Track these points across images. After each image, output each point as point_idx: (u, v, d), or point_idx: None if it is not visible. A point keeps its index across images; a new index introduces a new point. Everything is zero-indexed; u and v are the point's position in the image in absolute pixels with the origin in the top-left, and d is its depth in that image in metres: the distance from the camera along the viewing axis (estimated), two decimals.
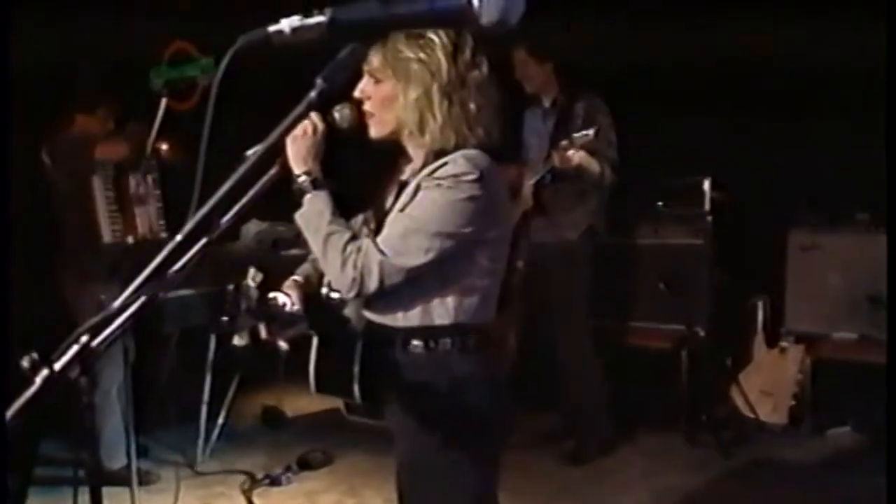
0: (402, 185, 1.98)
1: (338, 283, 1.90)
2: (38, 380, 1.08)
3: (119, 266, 3.64)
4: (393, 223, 1.91)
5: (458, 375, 1.95)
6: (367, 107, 1.96)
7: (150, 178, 4.07)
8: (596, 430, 4.47)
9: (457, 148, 1.89)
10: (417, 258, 1.85)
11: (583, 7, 4.56)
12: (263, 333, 1.96)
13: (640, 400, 4.68)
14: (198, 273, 4.71)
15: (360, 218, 2.08)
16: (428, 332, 1.93)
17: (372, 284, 1.85)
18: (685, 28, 4.53)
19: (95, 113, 4.02)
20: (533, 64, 4.37)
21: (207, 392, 4.50)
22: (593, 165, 4.20)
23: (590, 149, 4.15)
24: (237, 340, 1.82)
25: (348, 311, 2.01)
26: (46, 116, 4.15)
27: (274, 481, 4.16)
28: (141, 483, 3.87)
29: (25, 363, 1.07)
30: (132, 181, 4.00)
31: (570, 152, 4.07)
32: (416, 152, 1.98)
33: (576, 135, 4.04)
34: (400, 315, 1.94)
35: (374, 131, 1.98)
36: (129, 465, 3.77)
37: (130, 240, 4.03)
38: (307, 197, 1.91)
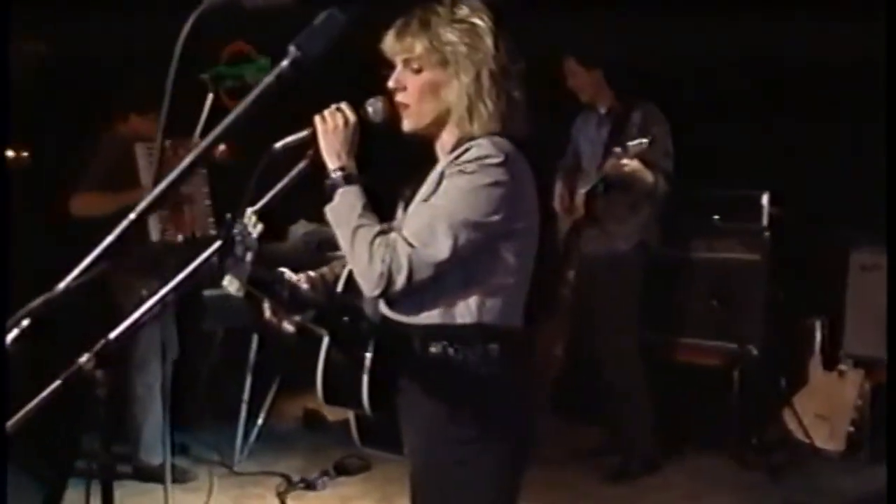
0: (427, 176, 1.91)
1: (365, 278, 1.80)
2: None
3: (163, 263, 3.62)
4: (418, 214, 1.83)
5: (479, 381, 1.85)
6: (401, 98, 1.88)
7: (198, 176, 4.05)
8: (641, 447, 4.34)
9: (498, 135, 1.83)
10: (445, 250, 1.76)
11: (636, 13, 4.44)
12: (267, 314, 1.89)
13: (689, 418, 4.53)
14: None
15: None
16: (449, 333, 1.84)
17: (400, 280, 1.75)
18: (745, 33, 4.37)
19: (149, 115, 4.02)
20: (583, 72, 4.28)
21: (248, 392, 4.47)
22: (647, 176, 4.09)
23: (644, 159, 4.04)
24: (226, 282, 1.69)
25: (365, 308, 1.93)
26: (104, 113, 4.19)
27: (309, 485, 4.12)
28: (177, 480, 3.86)
29: None
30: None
31: (624, 161, 3.97)
32: (448, 141, 1.90)
33: (630, 143, 3.92)
34: (420, 314, 1.85)
35: (409, 123, 1.90)
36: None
37: (180, 238, 4.02)
38: (339, 191, 1.83)
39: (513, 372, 1.88)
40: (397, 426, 1.96)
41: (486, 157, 1.78)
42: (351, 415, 2.05)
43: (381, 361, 1.89)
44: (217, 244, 1.64)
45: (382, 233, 1.80)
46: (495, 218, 1.79)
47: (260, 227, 1.77)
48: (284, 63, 1.16)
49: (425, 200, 1.84)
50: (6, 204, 3.61)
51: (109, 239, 1.04)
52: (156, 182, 1.09)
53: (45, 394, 1.48)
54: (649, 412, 4.32)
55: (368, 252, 1.77)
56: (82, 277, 0.99)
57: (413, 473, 1.97)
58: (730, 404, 4.49)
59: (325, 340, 1.98)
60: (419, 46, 1.84)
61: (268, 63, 5.46)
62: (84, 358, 1.51)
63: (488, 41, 1.83)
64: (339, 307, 1.96)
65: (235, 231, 1.69)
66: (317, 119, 1.84)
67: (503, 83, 1.84)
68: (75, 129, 4.51)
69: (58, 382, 1.49)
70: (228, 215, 1.67)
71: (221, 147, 4.05)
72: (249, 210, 1.75)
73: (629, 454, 4.32)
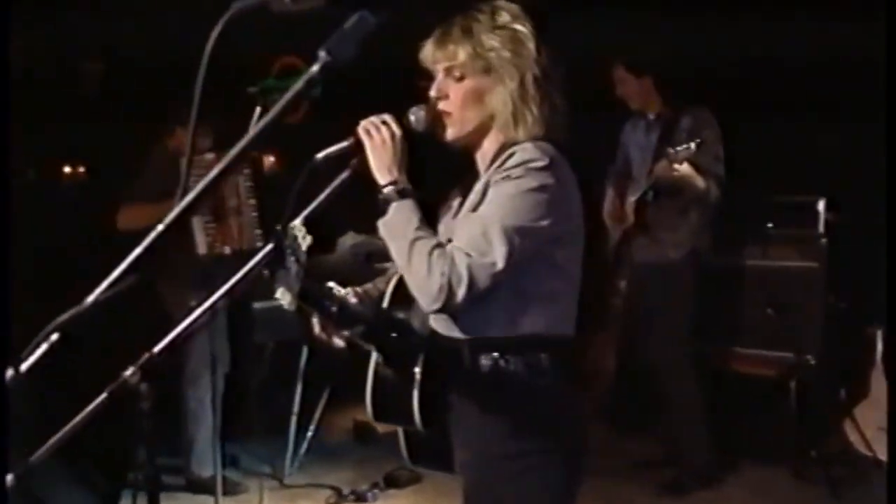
0: (469, 186, 1.88)
1: (423, 292, 1.75)
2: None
3: (212, 276, 3.64)
4: (469, 224, 1.79)
5: (530, 392, 1.82)
6: (444, 106, 1.86)
7: (244, 188, 4.07)
8: (697, 459, 4.25)
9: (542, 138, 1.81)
10: (502, 258, 1.72)
11: (687, 17, 4.37)
12: (317, 329, 1.86)
13: (745, 430, 4.43)
14: None
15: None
16: (499, 344, 1.81)
17: (461, 291, 1.71)
18: (800, 36, 4.27)
19: (196, 126, 4.02)
20: (632, 80, 4.23)
21: (297, 404, 4.49)
22: (697, 181, 4.02)
23: (694, 164, 3.97)
24: (280, 294, 1.66)
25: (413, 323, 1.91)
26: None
27: (360, 497, 4.11)
28: (227, 493, 3.88)
29: None
30: (226, 191, 4.01)
31: (674, 165, 3.91)
32: (489, 149, 1.88)
33: (678, 148, 3.86)
34: (472, 326, 1.82)
35: (453, 132, 1.88)
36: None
37: (227, 250, 4.04)
38: (393, 206, 1.79)
39: (563, 382, 1.85)
40: (447, 442, 1.93)
41: (531, 160, 1.76)
42: (400, 431, 2.02)
43: (431, 376, 1.86)
44: (262, 253, 1.63)
45: (439, 245, 1.76)
46: (544, 223, 1.76)
47: (309, 239, 1.76)
48: (314, 68, 1.14)
49: (473, 210, 1.81)
50: (6, 204, 3.64)
51: (138, 250, 1.03)
52: (184, 193, 1.07)
53: (90, 407, 1.49)
54: (704, 424, 4.24)
55: (427, 265, 1.73)
56: (112, 290, 0.98)
57: (466, 488, 1.94)
58: (787, 416, 4.38)
59: (374, 357, 1.96)
60: (462, 54, 1.82)
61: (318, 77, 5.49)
62: (129, 371, 1.52)
63: (531, 46, 1.82)
64: (386, 322, 1.94)
65: (286, 243, 1.67)
66: (361, 132, 1.81)
67: (546, 87, 1.83)
68: (131, 144, 4.58)
69: (103, 395, 1.50)
70: (279, 227, 1.66)
71: (270, 159, 4.08)
72: (299, 221, 1.73)
73: (684, 466, 4.24)
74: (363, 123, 1.82)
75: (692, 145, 3.83)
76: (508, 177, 1.76)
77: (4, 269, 2.82)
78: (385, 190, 1.80)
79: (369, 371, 1.96)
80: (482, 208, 1.78)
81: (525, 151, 1.77)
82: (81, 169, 7.15)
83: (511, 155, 1.78)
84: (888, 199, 3.53)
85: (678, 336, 4.27)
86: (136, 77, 5.09)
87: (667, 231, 4.23)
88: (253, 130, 1.11)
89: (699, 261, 4.27)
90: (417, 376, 1.85)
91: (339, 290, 1.89)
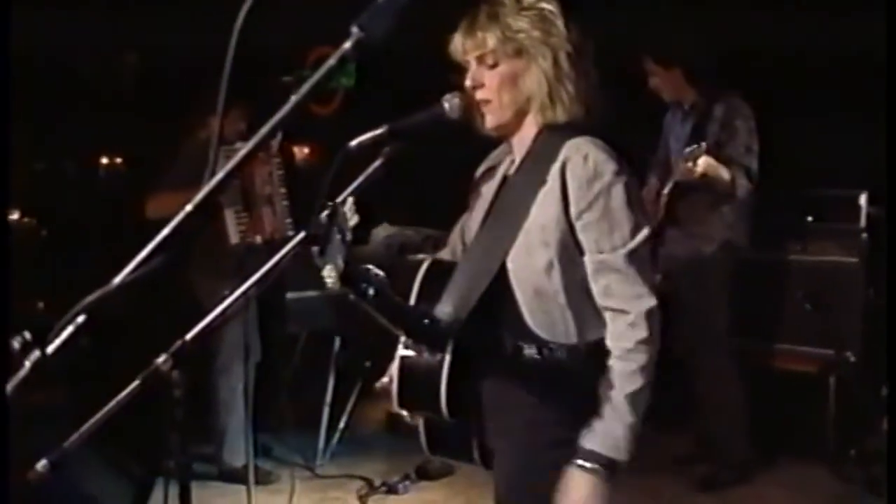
0: (506, 179, 1.86)
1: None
2: (28, 363, 0.97)
3: (244, 264, 3.65)
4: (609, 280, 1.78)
5: (570, 380, 1.80)
6: (481, 95, 1.83)
7: (276, 177, 4.08)
8: (733, 455, 4.19)
9: (572, 122, 1.79)
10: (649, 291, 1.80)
11: (726, 6, 4.30)
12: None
13: (783, 427, 4.36)
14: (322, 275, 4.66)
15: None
16: (541, 337, 1.79)
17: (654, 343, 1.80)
18: (840, 20, 4.17)
19: (227, 114, 4.01)
20: (661, 71, 4.18)
21: (330, 395, 4.49)
22: (722, 174, 3.94)
23: (721, 156, 3.92)
24: (327, 273, 1.61)
25: (444, 309, 1.86)
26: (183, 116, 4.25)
27: (391, 489, 4.10)
28: (259, 482, 3.88)
29: (16, 344, 0.98)
30: (258, 181, 4.02)
31: (689, 165, 3.87)
32: (528, 133, 1.86)
33: (687, 150, 3.85)
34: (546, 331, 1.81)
35: (492, 119, 1.86)
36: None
37: (258, 239, 4.04)
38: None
39: (593, 374, 1.82)
40: (467, 431, 1.92)
41: (600, 164, 1.76)
42: (420, 422, 2.00)
43: (460, 365, 1.83)
44: (295, 241, 1.62)
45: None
46: (644, 221, 1.80)
47: (356, 218, 1.73)
48: (347, 45, 1.11)
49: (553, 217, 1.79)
50: (5, 203, 3.66)
51: (165, 232, 1.02)
52: (211, 176, 1.06)
53: (123, 394, 1.49)
54: (742, 420, 4.18)
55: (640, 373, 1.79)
56: (138, 272, 0.96)
57: (501, 477, 1.92)
58: (826, 413, 4.30)
59: (400, 345, 1.94)
60: (492, 40, 1.80)
61: (353, 67, 5.48)
62: (161, 358, 1.51)
63: (559, 24, 1.80)
64: (418, 310, 1.91)
65: (335, 220, 1.63)
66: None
67: (581, 64, 1.81)
68: (165, 135, 4.60)
69: (136, 383, 1.50)
70: (329, 203, 1.63)
71: (305, 150, 4.07)
72: (349, 201, 1.71)
73: (720, 462, 4.18)
74: None
75: (702, 146, 3.82)
76: (599, 204, 1.76)
77: (5, 269, 2.84)
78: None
79: (395, 360, 1.93)
80: (599, 250, 1.77)
81: (588, 156, 1.76)
82: (118, 160, 7.23)
83: (570, 158, 1.77)
84: (889, 198, 3.46)
85: (714, 331, 4.21)
86: (171, 68, 5.11)
87: (698, 224, 4.17)
88: (284, 108, 1.08)
89: (734, 254, 4.20)
90: (446, 364, 1.83)
91: (377, 272, 1.84)
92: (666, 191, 4.12)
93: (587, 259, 1.78)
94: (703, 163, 3.87)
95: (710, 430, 4.28)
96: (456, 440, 1.95)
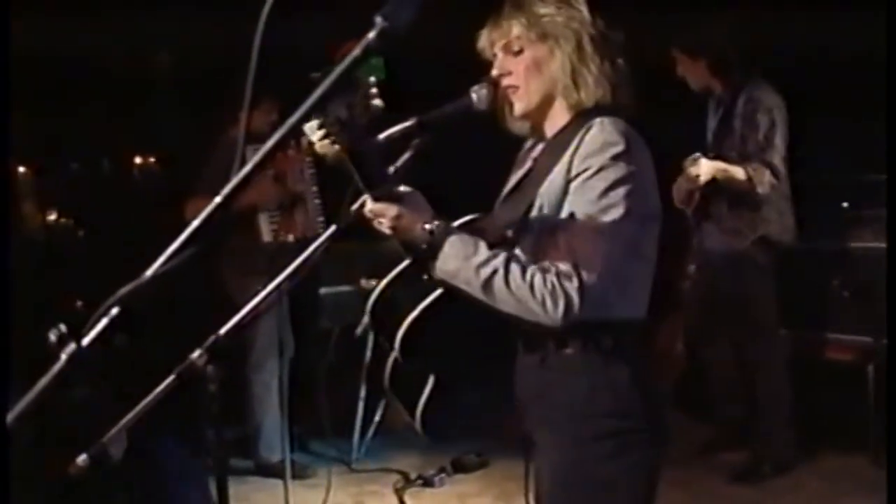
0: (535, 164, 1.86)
1: (539, 317, 1.70)
2: (64, 356, 0.98)
3: (276, 263, 3.67)
4: (570, 236, 1.72)
5: (616, 379, 1.80)
6: (508, 82, 1.85)
7: (308, 175, 4.10)
8: (776, 448, 4.14)
9: (598, 106, 1.79)
10: (610, 273, 1.72)
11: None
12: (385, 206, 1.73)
13: (821, 416, 4.31)
14: (357, 270, 4.71)
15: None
16: (584, 330, 1.77)
17: (575, 308, 1.68)
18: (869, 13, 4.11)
19: (256, 111, 4.02)
20: (688, 61, 4.14)
21: (364, 389, 4.51)
22: (735, 174, 3.90)
23: (745, 153, 3.93)
24: (309, 128, 1.52)
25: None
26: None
27: (427, 482, 4.12)
28: (296, 477, 3.91)
29: (52, 337, 0.99)
30: (290, 179, 4.05)
31: (691, 172, 3.89)
32: (558, 121, 1.86)
33: (685, 162, 3.90)
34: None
35: (520, 106, 1.87)
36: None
37: (291, 238, 4.07)
38: (444, 249, 1.71)
39: (641, 364, 1.84)
40: (421, 389, 1.90)
41: (609, 144, 1.73)
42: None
43: (438, 312, 1.81)
44: (326, 234, 1.63)
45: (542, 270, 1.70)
46: (634, 213, 1.73)
47: (380, 103, 1.62)
48: (371, 35, 1.11)
49: (558, 196, 1.77)
50: (5, 203, 3.70)
51: (196, 223, 1.03)
52: (238, 170, 1.07)
53: (159, 388, 1.51)
54: (786, 412, 4.14)
55: (530, 291, 1.68)
56: (170, 264, 0.98)
57: (544, 468, 1.92)
58: (865, 402, 4.25)
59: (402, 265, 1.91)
60: (516, 27, 1.82)
61: (381, 62, 5.48)
62: (196, 353, 1.53)
63: (583, 9, 1.82)
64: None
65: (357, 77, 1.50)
66: (378, 227, 1.77)
67: (605, 49, 1.81)
68: (199, 134, 4.64)
69: (172, 377, 1.52)
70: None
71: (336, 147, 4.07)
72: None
73: (762, 454, 4.14)
74: (373, 223, 1.77)
75: (697, 155, 3.88)
76: (587, 182, 1.73)
77: (5, 270, 2.88)
78: (423, 245, 1.72)
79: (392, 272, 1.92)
80: (570, 210, 1.74)
81: (602, 130, 1.75)
82: (152, 159, 7.31)
83: (589, 129, 1.76)
84: (889, 197, 3.41)
85: (760, 325, 4.17)
86: (204, 66, 5.14)
87: (729, 220, 4.12)
88: (308, 100, 1.09)
89: (771, 249, 4.12)
90: (422, 305, 1.82)
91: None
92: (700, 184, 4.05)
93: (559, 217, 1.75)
94: (707, 169, 3.88)
95: (756, 421, 4.23)
96: (410, 391, 1.91)
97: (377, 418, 4.59)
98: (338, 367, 4.48)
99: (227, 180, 1.21)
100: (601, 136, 1.74)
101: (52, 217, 6.89)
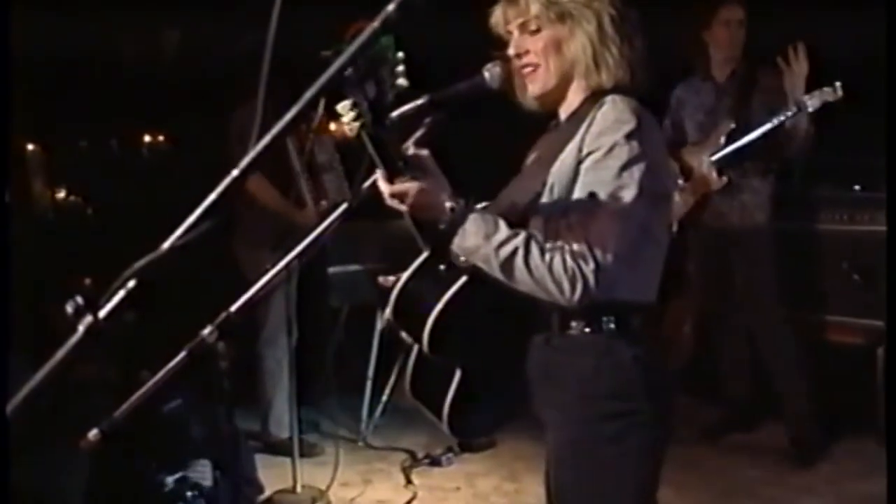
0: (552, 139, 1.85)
1: (554, 295, 1.68)
2: (82, 328, 0.98)
3: (286, 238, 3.67)
4: (583, 216, 1.70)
5: (620, 361, 1.79)
6: (527, 60, 1.82)
7: (329, 144, 4.18)
8: (801, 426, 4.14)
9: (618, 87, 1.78)
10: (616, 258, 1.69)
11: None
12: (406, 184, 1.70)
13: (829, 399, 4.30)
14: (366, 249, 4.71)
15: None
16: (590, 311, 1.76)
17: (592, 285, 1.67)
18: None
19: (271, 94, 4.01)
20: (736, 27, 4.02)
21: (373, 368, 4.52)
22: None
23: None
24: (342, 107, 1.50)
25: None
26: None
27: (434, 461, 4.13)
28: (304, 455, 3.93)
29: (69, 308, 0.99)
30: (316, 149, 4.11)
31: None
32: (574, 100, 1.85)
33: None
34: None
35: (537, 86, 1.84)
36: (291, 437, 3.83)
37: (324, 204, 4.10)
38: (465, 226, 1.70)
39: (650, 346, 1.83)
40: (447, 386, 1.88)
41: (620, 122, 1.71)
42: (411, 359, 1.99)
43: (465, 305, 1.79)
44: (335, 214, 1.62)
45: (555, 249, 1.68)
46: (646, 193, 1.71)
47: (405, 82, 1.58)
48: (391, 6, 1.09)
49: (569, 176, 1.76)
50: (5, 202, 3.70)
51: (212, 196, 1.03)
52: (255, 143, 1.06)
53: (170, 365, 1.51)
54: (805, 391, 4.13)
55: (549, 270, 1.67)
56: (187, 236, 0.97)
57: (555, 447, 1.91)
58: (874, 384, 4.23)
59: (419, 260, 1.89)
60: (535, 6, 1.79)
61: (391, 40, 5.46)
62: (206, 330, 1.53)
63: None
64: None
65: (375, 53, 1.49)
66: (396, 205, 1.74)
67: (625, 28, 1.79)
68: (208, 112, 4.63)
69: (182, 354, 1.52)
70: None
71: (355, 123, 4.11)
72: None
73: (794, 436, 4.14)
74: (388, 202, 1.74)
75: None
76: (602, 151, 1.71)
77: (5, 270, 2.88)
78: (443, 222, 1.71)
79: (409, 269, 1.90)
80: (583, 190, 1.72)
81: (614, 107, 1.73)
82: (161, 137, 7.32)
83: (601, 107, 1.74)
84: (888, 195, 3.38)
85: (772, 300, 4.16)
86: (213, 46, 5.13)
87: (750, 193, 4.10)
88: (325, 74, 1.08)
89: (782, 224, 4.16)
90: (445, 298, 1.79)
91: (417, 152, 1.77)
92: (711, 162, 4.03)
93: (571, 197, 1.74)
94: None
95: (779, 401, 4.21)
96: (433, 390, 1.90)
97: (385, 397, 4.60)
98: (346, 345, 4.49)
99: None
100: (613, 113, 1.72)
101: (61, 195, 6.91)
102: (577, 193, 1.73)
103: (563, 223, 1.72)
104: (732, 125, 3.97)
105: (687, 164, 4.12)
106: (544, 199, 1.79)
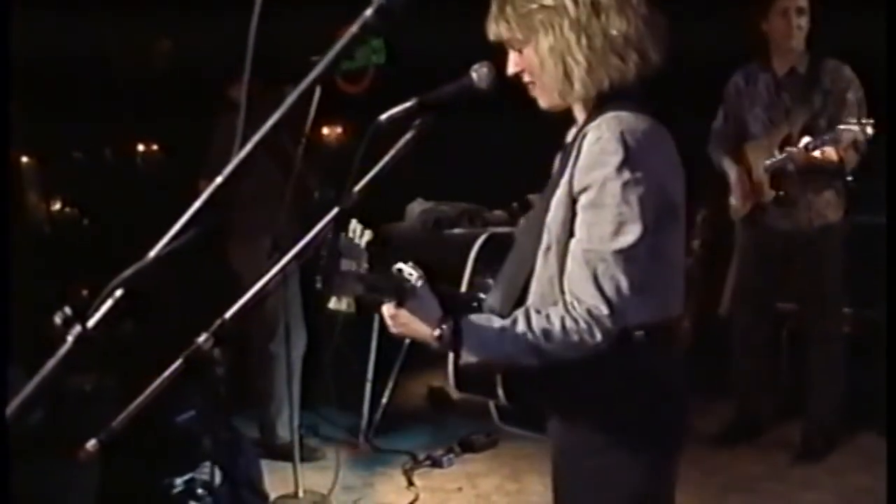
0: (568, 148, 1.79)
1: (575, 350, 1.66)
2: (70, 338, 0.98)
3: (280, 239, 3.67)
4: (576, 267, 1.67)
5: (642, 371, 1.75)
6: (525, 78, 1.79)
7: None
8: (826, 425, 4.09)
9: (614, 88, 1.70)
10: (620, 295, 1.65)
11: None
12: (390, 310, 1.72)
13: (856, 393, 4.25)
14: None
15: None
16: None
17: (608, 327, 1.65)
18: None
19: (257, 96, 3.99)
20: (795, 16, 3.80)
21: (371, 371, 4.52)
22: (831, 156, 3.64)
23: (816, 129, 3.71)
24: (333, 304, 1.65)
25: (492, 302, 1.82)
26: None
27: (435, 462, 4.13)
28: (305, 459, 3.92)
29: (58, 319, 0.99)
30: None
31: (817, 153, 3.61)
32: (579, 112, 1.80)
33: (818, 140, 3.61)
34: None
35: (542, 102, 1.80)
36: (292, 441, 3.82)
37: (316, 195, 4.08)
38: (461, 350, 1.69)
39: (662, 356, 1.78)
40: (537, 406, 1.90)
41: (606, 154, 1.64)
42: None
43: None
44: (328, 217, 1.62)
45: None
46: (651, 222, 1.64)
47: (368, 234, 1.71)
48: (368, 11, 1.10)
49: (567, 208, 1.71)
50: (5, 202, 3.71)
51: (197, 204, 1.03)
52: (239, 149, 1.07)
53: (167, 373, 1.51)
54: (840, 391, 4.07)
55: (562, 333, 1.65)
56: (172, 245, 0.98)
57: (559, 451, 1.89)
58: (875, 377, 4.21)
59: None
60: (504, 28, 1.76)
61: (381, 44, 5.46)
62: (202, 337, 1.53)
63: None
64: (466, 298, 1.88)
65: (340, 243, 1.62)
66: (396, 332, 1.75)
67: (594, 28, 1.68)
68: (201, 120, 4.62)
69: (178, 361, 1.52)
70: (330, 228, 1.60)
71: (338, 130, 4.09)
72: (355, 221, 1.69)
73: (813, 433, 4.10)
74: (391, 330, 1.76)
75: (850, 128, 3.53)
76: (594, 192, 1.65)
77: (5, 269, 2.88)
78: (436, 344, 1.70)
79: None
80: (584, 234, 1.67)
81: (598, 139, 1.66)
82: (154, 147, 7.32)
83: (584, 137, 1.68)
84: (888, 193, 3.39)
85: (836, 303, 4.06)
86: (205, 54, 5.14)
87: (815, 194, 3.91)
88: (308, 76, 1.09)
89: (850, 223, 4.00)
90: None
91: (412, 272, 1.73)
92: (768, 165, 3.87)
93: (572, 240, 1.69)
94: (826, 151, 3.60)
95: (809, 401, 4.14)
96: (525, 412, 1.92)
97: (385, 400, 4.60)
98: (345, 349, 4.49)
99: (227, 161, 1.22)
100: (598, 144, 1.65)
101: (57, 206, 6.91)
102: (578, 234, 1.68)
103: (573, 275, 1.67)
104: (787, 131, 3.83)
105: (747, 162, 3.99)
106: (546, 258, 1.74)
